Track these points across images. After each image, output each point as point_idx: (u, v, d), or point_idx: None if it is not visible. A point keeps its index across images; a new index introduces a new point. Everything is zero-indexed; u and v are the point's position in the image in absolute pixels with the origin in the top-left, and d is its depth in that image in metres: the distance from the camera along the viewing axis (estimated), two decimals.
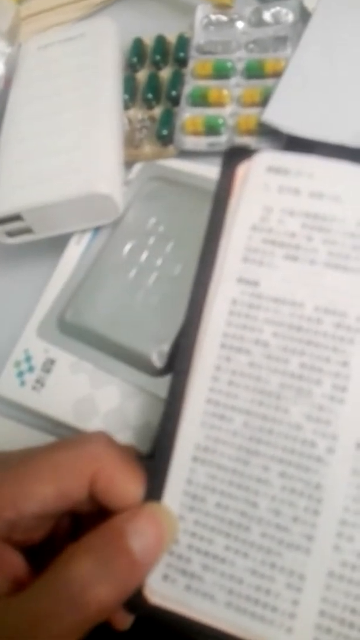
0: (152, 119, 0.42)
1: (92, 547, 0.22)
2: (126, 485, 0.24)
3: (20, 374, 0.33)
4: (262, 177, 0.27)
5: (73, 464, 0.24)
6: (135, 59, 0.44)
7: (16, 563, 0.24)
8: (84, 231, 0.37)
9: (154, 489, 0.24)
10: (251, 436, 0.24)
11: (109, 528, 0.22)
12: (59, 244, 0.37)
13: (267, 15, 0.43)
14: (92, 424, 0.31)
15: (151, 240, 0.35)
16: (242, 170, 0.27)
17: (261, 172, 0.27)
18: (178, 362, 0.26)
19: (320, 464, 0.23)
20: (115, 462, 0.24)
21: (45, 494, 0.23)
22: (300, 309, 0.25)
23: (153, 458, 0.25)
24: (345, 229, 0.25)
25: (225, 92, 0.41)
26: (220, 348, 0.25)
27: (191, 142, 0.40)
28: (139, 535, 0.22)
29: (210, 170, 0.36)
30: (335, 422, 0.24)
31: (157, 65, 0.44)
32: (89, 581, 0.21)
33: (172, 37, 0.45)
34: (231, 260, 0.26)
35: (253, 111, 0.39)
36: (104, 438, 0.25)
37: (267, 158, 0.27)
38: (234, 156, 0.27)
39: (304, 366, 0.24)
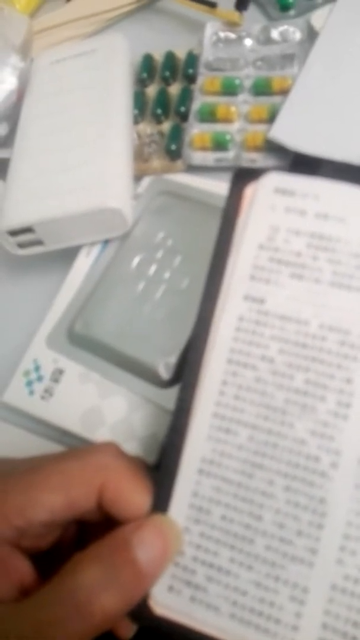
0: (161, 133, 0.43)
1: (98, 557, 0.22)
2: (134, 496, 0.24)
3: (29, 384, 0.34)
4: (269, 198, 0.27)
5: (82, 473, 0.24)
6: (145, 75, 0.45)
7: (24, 569, 0.24)
8: (93, 244, 0.37)
9: (160, 501, 0.25)
10: (256, 450, 0.25)
11: (116, 538, 0.23)
12: (68, 255, 0.37)
13: (275, 34, 0.44)
14: (99, 434, 0.32)
15: (159, 254, 0.35)
16: (250, 190, 0.28)
17: (268, 193, 0.27)
18: (185, 376, 0.26)
19: (324, 478, 0.24)
20: (124, 473, 0.25)
21: (54, 502, 0.24)
22: (306, 327, 0.26)
23: (159, 469, 0.26)
24: (349, 250, 0.26)
25: (233, 108, 0.41)
26: (227, 363, 0.26)
27: (199, 157, 0.41)
28: (144, 546, 0.23)
29: (218, 186, 0.37)
30: (339, 437, 0.24)
31: (167, 81, 0.45)
32: (95, 590, 0.21)
33: (181, 54, 0.46)
34: (238, 278, 0.27)
35: (260, 128, 0.40)
36: (113, 448, 0.26)
37: (274, 179, 0.28)
38: (243, 177, 0.28)
39: (309, 382, 0.25)
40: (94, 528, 0.25)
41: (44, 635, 0.21)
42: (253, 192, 0.28)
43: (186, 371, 0.26)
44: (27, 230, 0.36)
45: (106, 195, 0.35)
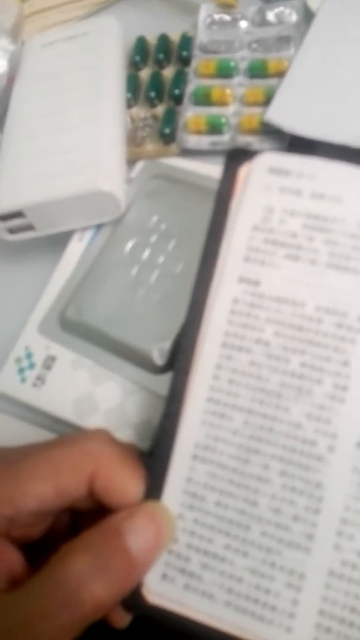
0: (154, 117, 0.42)
1: (88, 545, 0.22)
2: (125, 483, 0.24)
3: (21, 371, 0.33)
4: (264, 178, 0.27)
5: (72, 461, 0.24)
6: (138, 58, 0.44)
7: (13, 559, 0.24)
8: (85, 228, 0.37)
9: (153, 488, 0.24)
10: (251, 435, 0.24)
11: (107, 526, 0.22)
12: (60, 241, 0.37)
13: (270, 15, 0.43)
14: (93, 421, 0.31)
15: (153, 239, 0.35)
16: (244, 171, 0.27)
17: (263, 173, 0.27)
18: (179, 360, 0.26)
19: (321, 462, 0.23)
20: (115, 460, 0.24)
21: (44, 491, 0.23)
22: (301, 309, 0.25)
23: (152, 455, 0.25)
24: (346, 230, 0.25)
25: (228, 91, 0.41)
26: (221, 347, 0.25)
27: (193, 140, 0.40)
28: (136, 534, 0.22)
29: (213, 169, 0.36)
30: (336, 421, 0.24)
31: (160, 64, 0.44)
32: (85, 579, 0.21)
33: (175, 36, 0.45)
34: (233, 260, 0.26)
35: (256, 110, 0.39)
36: (104, 436, 0.25)
37: (268, 159, 0.27)
38: (236, 157, 0.27)
39: (305, 365, 0.24)
40: (88, 516, 0.25)
41: (33, 625, 0.20)
42: (247, 172, 0.27)
43: (179, 356, 0.26)
44: (18, 214, 0.35)
45: (98, 178, 0.34)
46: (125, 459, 0.25)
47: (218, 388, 0.25)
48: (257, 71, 0.41)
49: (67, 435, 0.29)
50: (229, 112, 0.40)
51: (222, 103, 0.41)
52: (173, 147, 0.40)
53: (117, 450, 0.25)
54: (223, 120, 0.40)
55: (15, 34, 0.44)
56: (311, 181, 0.26)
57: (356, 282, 0.25)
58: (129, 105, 0.42)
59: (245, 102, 0.40)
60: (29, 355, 0.33)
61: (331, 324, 0.25)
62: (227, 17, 0.44)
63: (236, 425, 0.25)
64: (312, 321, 0.25)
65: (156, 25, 0.46)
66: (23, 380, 0.33)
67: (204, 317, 0.26)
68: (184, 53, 0.44)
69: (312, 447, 0.24)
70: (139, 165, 0.39)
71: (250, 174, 0.27)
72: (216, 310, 0.26)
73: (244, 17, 0.44)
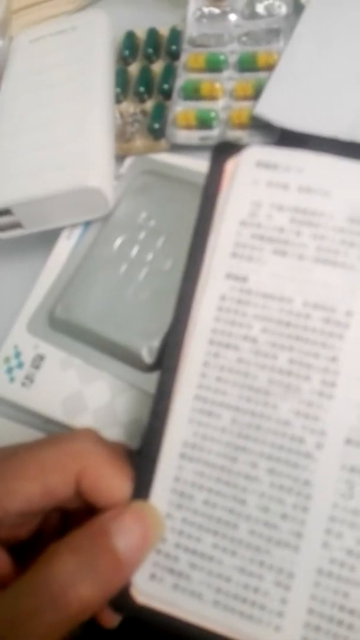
0: (144, 112, 0.41)
1: (75, 546, 0.22)
2: (113, 483, 0.24)
3: (10, 370, 0.33)
4: (251, 172, 0.26)
5: (59, 461, 0.23)
6: (127, 52, 0.44)
7: (0, 560, 0.23)
8: (74, 226, 0.36)
9: (141, 487, 0.24)
10: (239, 433, 0.24)
11: (93, 526, 0.22)
12: (49, 238, 0.36)
13: (260, 8, 0.43)
14: (82, 420, 0.31)
15: (142, 235, 0.34)
16: (231, 165, 0.27)
17: (250, 167, 0.26)
18: (166, 358, 0.26)
19: (309, 460, 0.23)
20: (102, 460, 0.24)
21: (30, 491, 0.23)
22: (289, 305, 0.25)
23: (140, 454, 0.25)
24: (334, 224, 0.25)
25: (217, 85, 0.40)
26: (208, 344, 0.25)
27: (183, 135, 0.40)
28: (123, 534, 0.22)
29: (202, 165, 0.35)
30: (324, 417, 0.23)
31: (150, 59, 0.44)
32: (71, 580, 0.21)
33: (164, 30, 0.44)
34: (220, 256, 0.26)
35: (246, 104, 0.39)
36: (91, 435, 0.25)
37: (255, 153, 0.27)
38: (223, 151, 0.27)
39: (293, 362, 0.24)
40: (78, 517, 0.25)
41: (19, 627, 0.20)
42: (234, 166, 0.27)
43: (167, 354, 0.26)
44: (5, 212, 0.35)
45: (86, 174, 0.34)
46: (113, 458, 0.24)
47: (206, 386, 0.25)
48: (247, 64, 0.41)
49: (54, 434, 0.29)
50: (219, 106, 0.40)
51: (212, 97, 0.40)
52: (162, 142, 0.40)
53: (104, 450, 0.24)
54: (213, 114, 0.39)
55: (3, 29, 0.44)
56: (299, 175, 0.26)
57: (344, 277, 0.24)
58: (118, 100, 0.42)
59: (235, 96, 0.40)
60: (17, 355, 0.33)
61: (319, 320, 0.24)
62: (216, 11, 0.44)
63: (224, 423, 0.24)
64: (300, 317, 0.25)
65: (145, 19, 0.45)
66: (12, 379, 0.33)
67: (191, 314, 0.26)
68: (173, 47, 0.43)
69: (300, 444, 0.23)
70: (128, 161, 0.38)
71: (237, 168, 0.27)
72: (203, 307, 0.26)
73: (233, 10, 0.43)
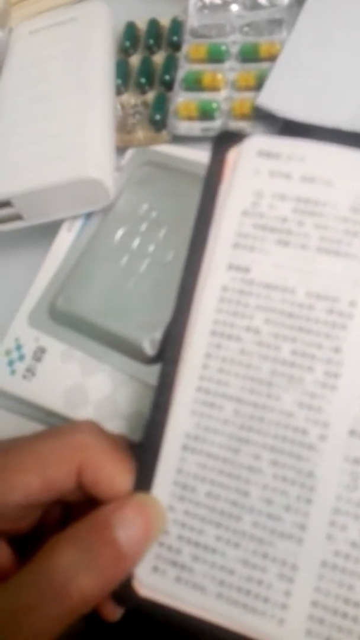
0: (145, 104, 0.41)
1: (76, 538, 0.21)
2: (114, 475, 0.23)
3: (11, 363, 0.33)
4: (253, 162, 0.26)
5: (59, 453, 0.23)
6: (128, 43, 0.44)
7: (1, 553, 0.23)
8: (75, 218, 0.36)
9: (143, 479, 0.24)
10: (242, 424, 0.24)
11: (95, 518, 0.22)
12: (50, 231, 0.36)
13: None
14: (83, 413, 0.31)
15: (143, 227, 0.34)
16: (233, 155, 0.27)
17: (252, 156, 0.26)
18: (168, 350, 0.25)
19: (312, 451, 0.23)
20: (103, 452, 0.24)
21: (30, 484, 0.23)
22: (292, 295, 0.24)
23: (142, 446, 0.25)
24: (337, 214, 0.25)
25: (219, 76, 0.40)
26: (210, 335, 0.25)
27: (185, 127, 0.39)
28: (125, 526, 0.22)
29: (204, 156, 0.35)
30: (328, 409, 0.23)
31: (151, 50, 0.44)
32: (72, 572, 0.20)
33: (165, 21, 0.44)
34: (221, 247, 0.26)
35: (248, 95, 0.39)
36: (92, 427, 0.25)
37: (257, 142, 0.26)
38: (224, 141, 0.27)
39: (296, 353, 0.24)
40: (79, 510, 0.24)
41: (21, 619, 0.20)
42: (236, 156, 0.27)
43: (169, 345, 0.25)
44: (6, 204, 0.34)
45: (86, 165, 0.34)
46: (114, 450, 0.24)
47: (208, 377, 0.25)
48: (249, 55, 0.40)
49: (54, 427, 0.29)
50: (221, 97, 0.40)
51: (214, 88, 0.40)
52: (164, 133, 0.40)
53: (105, 442, 0.24)
54: (214, 105, 0.39)
55: (2, 21, 0.43)
56: (301, 164, 0.26)
57: (347, 267, 0.24)
58: (119, 91, 0.42)
59: (236, 86, 0.40)
60: (18, 347, 0.33)
61: (322, 310, 0.24)
62: (217, 1, 0.43)
63: (226, 415, 0.24)
64: (303, 307, 0.24)
65: (146, 10, 0.45)
66: (13, 372, 0.32)
67: (193, 305, 0.25)
68: (175, 38, 0.43)
69: (304, 436, 0.23)
70: (129, 152, 0.38)
71: (239, 157, 0.26)
72: (205, 299, 0.25)
73: (235, 1, 0.43)
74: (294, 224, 0.25)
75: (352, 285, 0.24)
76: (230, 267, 0.25)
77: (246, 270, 0.25)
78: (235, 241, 0.26)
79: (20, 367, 0.32)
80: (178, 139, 0.39)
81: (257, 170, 0.26)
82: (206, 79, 0.40)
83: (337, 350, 0.24)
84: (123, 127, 0.40)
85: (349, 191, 0.25)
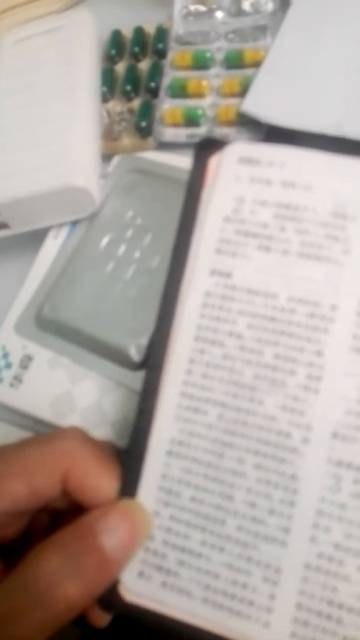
0: (131, 111, 0.41)
1: (61, 544, 0.22)
2: (100, 481, 0.24)
3: None
4: (234, 168, 0.26)
5: (44, 460, 0.23)
6: (113, 51, 0.44)
7: None
8: (61, 226, 0.36)
9: (128, 485, 0.24)
10: (226, 429, 0.24)
11: (80, 525, 0.22)
12: (36, 238, 0.36)
13: (246, 5, 0.43)
14: (70, 420, 0.31)
15: (129, 233, 0.34)
16: (214, 161, 0.27)
17: (233, 163, 0.26)
18: (152, 356, 0.26)
19: (296, 454, 0.23)
20: (89, 458, 0.24)
21: (16, 491, 0.23)
22: (274, 300, 0.25)
23: (127, 452, 0.25)
24: (317, 219, 0.25)
25: (204, 82, 0.40)
26: (194, 341, 0.25)
27: (170, 133, 0.39)
28: (110, 532, 0.22)
29: (189, 162, 0.35)
30: (310, 412, 0.23)
31: (136, 57, 0.44)
32: (57, 578, 0.21)
33: (150, 29, 0.44)
34: (204, 253, 0.26)
35: (233, 102, 0.39)
36: (77, 434, 0.25)
37: (238, 149, 0.27)
38: (206, 148, 0.27)
39: (278, 357, 0.24)
40: (67, 517, 0.25)
41: (4, 626, 0.20)
42: (217, 163, 0.27)
43: (152, 351, 0.26)
44: None
45: (72, 173, 0.34)
46: (99, 456, 0.24)
47: (192, 382, 0.25)
48: (234, 62, 0.41)
49: (40, 434, 0.29)
50: (206, 104, 0.40)
51: (199, 95, 0.40)
52: (150, 140, 0.40)
53: (90, 448, 0.24)
54: (200, 112, 0.39)
55: None
56: (281, 170, 0.26)
57: (328, 271, 0.24)
58: (105, 99, 0.42)
59: (222, 93, 0.40)
60: (5, 355, 0.33)
61: (304, 314, 0.24)
62: (202, 8, 0.44)
63: (210, 420, 0.24)
64: (285, 312, 0.24)
65: (131, 18, 0.45)
66: (0, 380, 0.33)
67: (176, 311, 0.26)
68: (160, 45, 0.43)
69: (287, 439, 0.23)
70: (115, 159, 0.38)
71: (221, 164, 0.27)
72: (188, 304, 0.26)
73: (219, 8, 0.43)
74: (275, 229, 0.25)
75: (333, 290, 0.24)
76: (213, 272, 0.26)
77: (228, 275, 0.25)
78: (217, 247, 0.26)
79: (7, 375, 0.33)
80: (164, 146, 0.39)
81: (238, 177, 0.26)
82: (191, 86, 0.40)
83: (319, 353, 0.24)
84: (109, 135, 0.40)
85: (329, 196, 0.25)
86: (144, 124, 0.40)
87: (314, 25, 0.40)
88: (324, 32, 0.40)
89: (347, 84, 0.37)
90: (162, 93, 0.41)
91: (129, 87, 0.42)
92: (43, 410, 0.31)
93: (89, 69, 0.40)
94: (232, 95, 0.39)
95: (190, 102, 0.40)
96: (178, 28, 0.43)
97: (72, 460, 0.24)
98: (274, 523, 0.23)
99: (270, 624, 0.22)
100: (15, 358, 0.33)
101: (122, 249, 0.34)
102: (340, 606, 0.22)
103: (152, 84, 0.42)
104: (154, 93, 0.41)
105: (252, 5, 0.43)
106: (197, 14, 0.44)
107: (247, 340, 0.25)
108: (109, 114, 0.41)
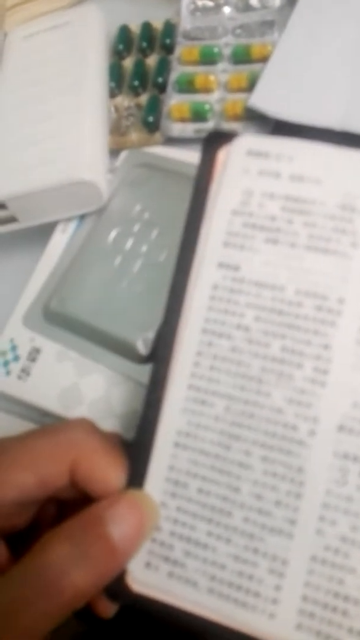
0: (138, 106, 0.41)
1: (69, 534, 0.22)
2: (107, 472, 0.24)
3: (6, 364, 0.33)
4: (242, 161, 0.26)
5: (52, 450, 0.24)
6: (121, 47, 0.44)
7: None
8: (69, 219, 0.36)
9: (136, 476, 0.24)
10: (233, 421, 0.24)
11: (88, 514, 0.22)
12: (44, 232, 0.37)
13: (253, 0, 0.43)
14: (78, 413, 0.31)
15: (136, 228, 0.34)
16: (222, 154, 0.27)
17: (241, 156, 0.26)
18: (159, 348, 0.26)
19: (302, 447, 0.23)
20: (96, 449, 0.24)
21: (24, 481, 0.23)
22: (281, 293, 0.25)
23: (134, 443, 0.25)
24: (325, 212, 0.25)
25: (212, 77, 0.40)
26: (201, 333, 0.25)
27: (178, 128, 0.40)
28: (118, 522, 0.22)
29: (197, 157, 0.35)
30: (317, 405, 0.23)
31: (144, 52, 0.44)
32: (65, 567, 0.21)
33: (158, 24, 0.44)
34: (212, 245, 0.26)
35: (240, 96, 0.39)
36: (85, 424, 0.25)
37: (247, 142, 0.27)
38: (214, 141, 0.27)
39: (285, 350, 0.24)
40: (74, 507, 0.25)
41: (12, 614, 0.20)
42: (225, 155, 0.27)
43: (160, 344, 0.26)
44: (0, 206, 0.35)
45: (79, 167, 0.34)
46: (107, 447, 0.24)
47: (199, 375, 0.25)
48: (241, 57, 0.41)
49: (48, 425, 0.29)
50: (213, 98, 0.40)
51: (206, 90, 0.40)
52: (157, 135, 0.40)
53: (98, 439, 0.24)
54: (207, 107, 0.39)
55: None
56: (290, 163, 0.26)
57: (336, 264, 0.24)
58: (113, 94, 0.42)
59: (229, 88, 0.40)
60: (13, 348, 0.33)
61: (311, 307, 0.24)
62: (210, 3, 0.44)
63: (217, 412, 0.24)
64: (292, 305, 0.24)
65: (139, 13, 0.45)
66: (8, 373, 0.33)
67: (184, 304, 0.26)
68: (167, 41, 0.43)
69: (294, 431, 0.23)
70: (123, 154, 0.38)
71: (228, 157, 0.27)
72: (196, 297, 0.26)
73: (227, 3, 0.43)
74: (283, 222, 0.25)
75: (340, 283, 0.24)
76: (221, 265, 0.26)
77: (236, 268, 0.25)
78: (225, 240, 0.26)
79: (15, 367, 0.33)
80: (171, 141, 0.40)
81: (247, 170, 0.26)
82: (199, 81, 0.40)
83: (326, 346, 0.24)
84: (117, 130, 0.40)
85: (337, 189, 0.25)
86: (151, 119, 0.40)
87: (321, 21, 0.40)
88: (330, 27, 0.40)
89: (353, 79, 0.37)
90: (169, 88, 0.41)
91: (136, 82, 0.42)
92: (51, 402, 0.32)
93: (97, 64, 0.40)
94: (240, 90, 0.39)
95: (198, 97, 0.40)
96: (186, 23, 0.43)
97: (80, 451, 0.24)
98: (280, 515, 0.23)
99: (276, 616, 0.22)
100: (23, 351, 0.33)
101: (129, 243, 0.34)
102: (346, 598, 0.22)
103: (160, 79, 0.42)
104: (162, 88, 0.41)
105: (260, 0, 0.43)
106: (205, 9, 0.44)
107: (254, 333, 0.25)
108: (116, 109, 0.42)
